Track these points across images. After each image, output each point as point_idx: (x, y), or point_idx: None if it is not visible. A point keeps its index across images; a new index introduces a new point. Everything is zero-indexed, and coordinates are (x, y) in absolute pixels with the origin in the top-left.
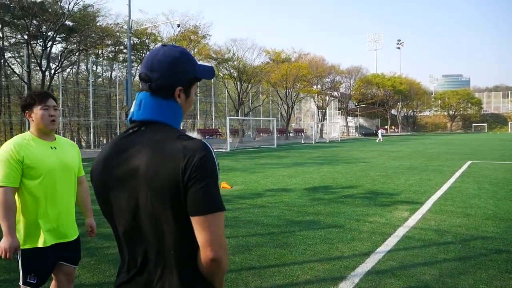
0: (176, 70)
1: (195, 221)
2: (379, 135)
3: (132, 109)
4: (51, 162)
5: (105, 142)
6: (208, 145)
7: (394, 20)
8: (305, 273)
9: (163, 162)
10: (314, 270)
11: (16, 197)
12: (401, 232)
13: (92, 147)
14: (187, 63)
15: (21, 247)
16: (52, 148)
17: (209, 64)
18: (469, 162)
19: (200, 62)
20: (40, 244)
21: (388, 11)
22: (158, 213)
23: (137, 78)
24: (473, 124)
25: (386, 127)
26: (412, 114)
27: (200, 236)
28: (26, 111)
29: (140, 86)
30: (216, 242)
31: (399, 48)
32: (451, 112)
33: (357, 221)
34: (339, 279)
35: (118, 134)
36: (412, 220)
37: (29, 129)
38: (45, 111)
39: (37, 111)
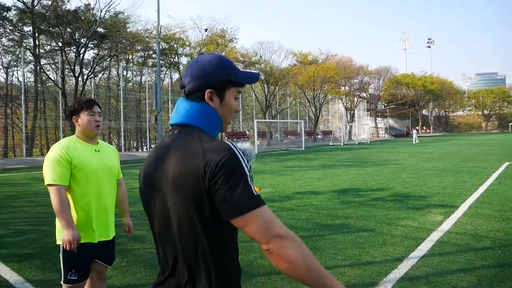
0: (205, 72)
1: (236, 225)
2: (414, 136)
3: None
4: (95, 164)
5: (135, 145)
6: (232, 146)
7: (424, 19)
8: (335, 278)
9: (185, 166)
10: (345, 275)
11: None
12: (435, 236)
13: (122, 150)
14: (219, 66)
15: (56, 243)
16: (96, 151)
17: (254, 71)
18: (506, 163)
19: (245, 70)
20: (82, 240)
21: (418, 10)
22: (185, 216)
23: (166, 82)
24: (510, 124)
25: (417, 127)
26: (444, 114)
27: (250, 237)
28: (74, 116)
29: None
30: (262, 239)
31: (429, 47)
32: (485, 112)
33: (388, 225)
34: (371, 285)
35: (147, 137)
36: (447, 224)
37: (63, 133)
38: (91, 116)
39: (83, 117)
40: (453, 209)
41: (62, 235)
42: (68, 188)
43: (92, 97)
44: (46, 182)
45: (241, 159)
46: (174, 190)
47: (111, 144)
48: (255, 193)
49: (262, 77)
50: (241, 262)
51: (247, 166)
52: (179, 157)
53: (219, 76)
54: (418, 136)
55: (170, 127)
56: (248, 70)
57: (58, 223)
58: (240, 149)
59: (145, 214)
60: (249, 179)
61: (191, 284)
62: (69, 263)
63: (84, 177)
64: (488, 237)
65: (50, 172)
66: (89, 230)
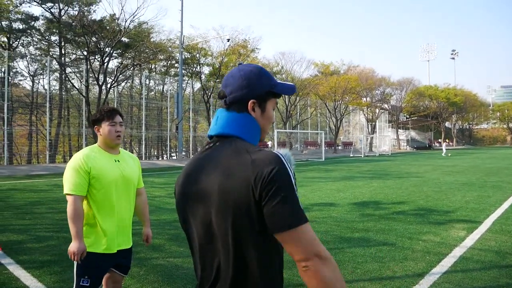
0: (248, 83)
1: (279, 238)
2: (444, 149)
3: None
4: (113, 174)
5: (155, 153)
6: (281, 155)
7: (448, 30)
8: None
9: (234, 177)
10: None
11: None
12: (457, 252)
13: (143, 158)
14: (260, 77)
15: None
16: (115, 161)
17: (290, 83)
18: None
19: (281, 82)
20: (98, 249)
21: (442, 21)
22: (231, 228)
23: (187, 91)
24: None
25: (439, 140)
26: (468, 127)
27: (289, 252)
28: (95, 126)
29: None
30: (303, 255)
31: (453, 58)
32: (511, 125)
33: (409, 239)
34: None
35: (168, 145)
36: (470, 240)
37: (86, 140)
38: (112, 127)
39: (105, 127)
40: (476, 225)
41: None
42: (87, 197)
43: (115, 105)
44: (64, 191)
45: (289, 170)
46: (221, 201)
47: (132, 152)
48: (302, 208)
49: None
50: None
51: (294, 177)
52: (226, 168)
53: (262, 86)
54: (439, 149)
55: (209, 138)
56: (285, 82)
57: (87, 232)
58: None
59: (164, 223)
60: (296, 193)
61: None
62: (83, 269)
63: (102, 187)
64: None
65: (68, 181)
66: (107, 239)
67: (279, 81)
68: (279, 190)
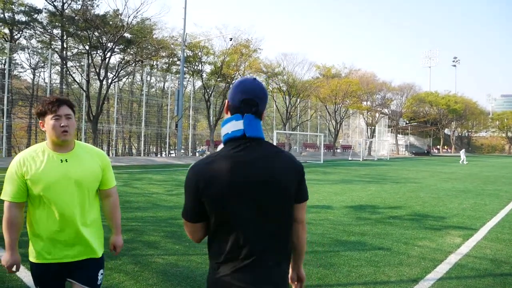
0: (267, 100)
1: (299, 206)
2: (462, 156)
3: (236, 128)
4: (54, 176)
5: (154, 150)
6: None
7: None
8: None
9: (290, 167)
10: None
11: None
12: (453, 259)
13: (142, 155)
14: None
15: (30, 259)
16: (62, 161)
17: None
18: None
19: None
20: (42, 259)
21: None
22: (283, 205)
23: (188, 89)
24: None
25: (438, 147)
26: (467, 135)
27: (299, 215)
28: (40, 120)
29: (241, 108)
30: (303, 217)
31: (455, 65)
32: (510, 134)
33: (405, 245)
34: None
35: (167, 143)
36: (466, 247)
37: (85, 135)
38: (56, 121)
39: (48, 121)
40: (472, 232)
41: (31, 251)
42: (29, 203)
43: (115, 101)
44: (1, 196)
45: None
46: (278, 185)
47: (131, 149)
48: None
49: (284, 88)
50: None
51: None
52: (281, 161)
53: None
54: (437, 155)
55: (238, 138)
56: None
57: (29, 237)
58: None
59: (160, 220)
60: None
61: (277, 265)
62: (36, 280)
63: (41, 192)
64: (508, 263)
65: (4, 186)
66: (51, 249)
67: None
68: (304, 175)
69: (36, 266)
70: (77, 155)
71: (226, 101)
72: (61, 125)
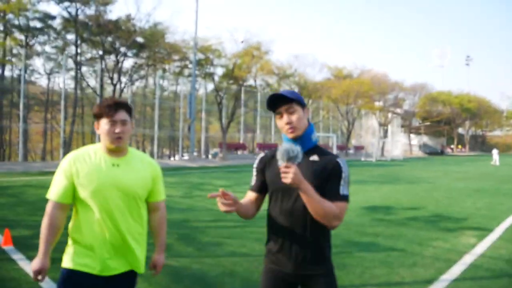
0: None
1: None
2: (495, 156)
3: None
4: (103, 180)
5: (167, 153)
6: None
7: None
8: None
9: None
10: None
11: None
12: (467, 260)
13: (155, 158)
14: None
15: (62, 266)
16: (113, 165)
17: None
18: None
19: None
20: (79, 267)
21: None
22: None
23: (200, 92)
24: None
25: (452, 146)
26: (481, 134)
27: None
28: (95, 122)
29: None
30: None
31: (467, 64)
32: None
33: (419, 245)
34: None
35: (180, 145)
36: (480, 248)
37: (98, 139)
38: (111, 126)
39: (103, 125)
40: (487, 232)
41: (67, 256)
42: (75, 206)
43: None
44: (47, 195)
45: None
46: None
47: (144, 152)
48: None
49: (295, 89)
50: None
51: (253, 166)
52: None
53: None
54: (451, 155)
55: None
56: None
57: (69, 242)
58: (291, 149)
59: (173, 223)
60: (252, 175)
61: (313, 251)
62: (63, 286)
63: (90, 195)
64: None
65: (52, 184)
66: (91, 259)
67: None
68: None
69: (70, 272)
70: (129, 161)
71: (307, 108)
72: (116, 131)
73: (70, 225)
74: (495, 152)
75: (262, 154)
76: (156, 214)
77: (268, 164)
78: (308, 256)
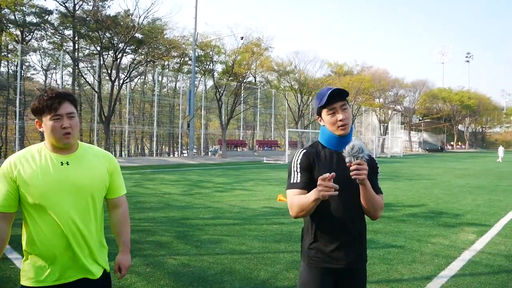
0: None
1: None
2: (501, 153)
3: None
4: (52, 181)
5: (166, 150)
6: (300, 149)
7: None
8: None
9: None
10: None
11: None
12: (466, 256)
13: (154, 155)
14: (315, 100)
15: (22, 283)
16: (62, 164)
17: (325, 90)
18: None
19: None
20: (40, 282)
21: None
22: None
23: (200, 89)
24: None
25: (452, 143)
26: (480, 130)
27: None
28: (36, 119)
29: None
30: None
31: (468, 61)
32: None
33: (418, 242)
34: None
35: (179, 143)
36: (479, 244)
37: (97, 136)
38: (56, 122)
39: (46, 122)
40: (486, 228)
41: (26, 272)
42: (23, 214)
43: (127, 101)
44: None
45: (294, 158)
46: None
47: (143, 149)
48: (290, 181)
49: (295, 86)
50: (267, 273)
51: (295, 162)
52: None
53: (315, 107)
54: (450, 152)
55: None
56: (324, 93)
57: (25, 258)
58: (363, 147)
59: (172, 220)
60: (293, 173)
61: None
62: None
63: (38, 200)
64: None
65: None
66: (51, 269)
67: (322, 96)
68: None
69: None
70: (80, 157)
71: None
72: (63, 126)
73: (23, 238)
74: (501, 149)
75: (303, 150)
76: (117, 211)
77: (316, 160)
78: (361, 249)
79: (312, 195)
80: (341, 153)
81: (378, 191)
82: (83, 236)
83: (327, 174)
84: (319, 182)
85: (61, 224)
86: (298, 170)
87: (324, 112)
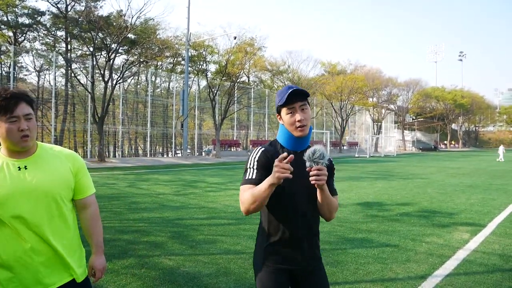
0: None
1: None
2: (501, 153)
3: None
4: (10, 187)
5: (160, 150)
6: (259, 147)
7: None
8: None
9: None
10: None
11: None
12: (461, 255)
13: (148, 156)
14: (276, 98)
15: None
16: (20, 169)
17: (284, 88)
18: None
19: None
20: None
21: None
22: None
23: (193, 89)
24: None
25: (445, 142)
26: (474, 129)
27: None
28: None
29: None
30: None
31: (461, 60)
32: None
33: (413, 241)
34: None
35: (173, 143)
36: (474, 243)
37: (91, 136)
38: (12, 124)
39: (1, 124)
40: (480, 228)
41: None
42: None
43: (120, 102)
44: None
45: (252, 155)
46: None
47: (137, 149)
48: (245, 177)
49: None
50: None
51: (253, 159)
52: None
53: (276, 105)
54: (444, 151)
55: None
56: (282, 93)
57: None
58: (324, 151)
59: (167, 221)
60: (249, 169)
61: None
62: None
63: None
64: None
65: None
66: (17, 278)
67: (281, 95)
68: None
69: None
70: (39, 159)
71: None
72: (20, 129)
73: None
74: (501, 148)
75: (262, 148)
76: (87, 211)
77: (275, 159)
78: (316, 250)
79: (266, 181)
80: (299, 153)
81: (333, 192)
82: (53, 239)
83: (285, 154)
84: (275, 163)
85: (23, 232)
86: (255, 167)
87: (284, 111)
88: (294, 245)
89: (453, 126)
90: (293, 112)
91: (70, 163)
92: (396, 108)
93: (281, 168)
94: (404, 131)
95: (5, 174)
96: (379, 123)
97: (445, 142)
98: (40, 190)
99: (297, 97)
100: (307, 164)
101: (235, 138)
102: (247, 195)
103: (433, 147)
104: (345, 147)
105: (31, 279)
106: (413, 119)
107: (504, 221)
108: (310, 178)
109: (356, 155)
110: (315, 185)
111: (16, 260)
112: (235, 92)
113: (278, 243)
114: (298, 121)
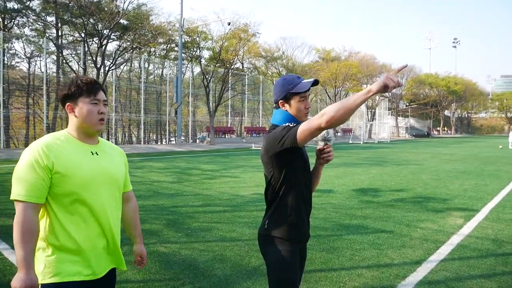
0: (274, 91)
1: None
2: (510, 139)
3: None
4: (90, 171)
5: (154, 138)
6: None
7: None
8: (352, 279)
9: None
10: (362, 277)
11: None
12: (455, 240)
13: (142, 143)
14: (281, 85)
15: (43, 282)
16: (93, 154)
17: (308, 80)
18: None
19: (304, 80)
20: (69, 277)
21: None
22: None
23: (187, 75)
24: None
25: (438, 128)
26: (466, 116)
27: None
28: (68, 103)
29: None
30: None
31: (455, 47)
32: (509, 114)
33: (407, 227)
34: None
35: (167, 130)
36: (467, 228)
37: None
38: (94, 106)
39: (83, 105)
40: (473, 213)
41: (48, 268)
42: (47, 205)
43: (113, 89)
44: (11, 196)
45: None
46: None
47: (131, 137)
48: (291, 127)
49: (283, 72)
50: (258, 259)
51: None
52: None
53: (282, 91)
54: (437, 137)
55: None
56: (306, 81)
57: (39, 254)
58: (327, 130)
59: (162, 208)
60: (289, 125)
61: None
62: None
63: (73, 190)
64: (509, 242)
65: (17, 183)
66: (80, 264)
67: (302, 81)
68: None
69: (59, 286)
70: (104, 149)
71: None
72: (100, 111)
73: (46, 231)
74: (511, 134)
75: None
76: (131, 203)
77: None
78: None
79: (365, 90)
80: None
81: None
82: (114, 226)
83: (398, 67)
84: (387, 74)
85: (96, 214)
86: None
87: (296, 99)
88: (306, 221)
89: (446, 112)
90: (304, 100)
91: (123, 157)
92: (390, 94)
93: (391, 80)
94: (398, 117)
95: (83, 156)
96: (373, 110)
97: (438, 128)
98: (113, 178)
99: (310, 87)
100: (321, 143)
101: (229, 125)
102: (332, 106)
103: (426, 133)
104: (339, 134)
105: (94, 262)
106: (406, 105)
107: (497, 206)
108: (323, 155)
109: (350, 142)
110: (324, 160)
111: (87, 243)
112: (229, 78)
113: (298, 218)
114: (306, 108)
